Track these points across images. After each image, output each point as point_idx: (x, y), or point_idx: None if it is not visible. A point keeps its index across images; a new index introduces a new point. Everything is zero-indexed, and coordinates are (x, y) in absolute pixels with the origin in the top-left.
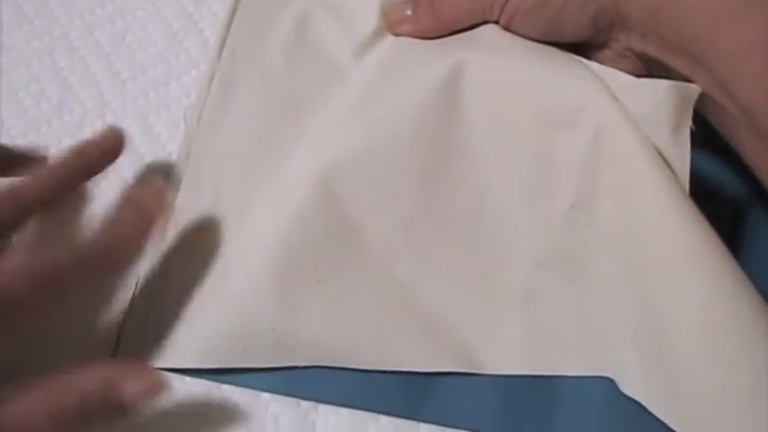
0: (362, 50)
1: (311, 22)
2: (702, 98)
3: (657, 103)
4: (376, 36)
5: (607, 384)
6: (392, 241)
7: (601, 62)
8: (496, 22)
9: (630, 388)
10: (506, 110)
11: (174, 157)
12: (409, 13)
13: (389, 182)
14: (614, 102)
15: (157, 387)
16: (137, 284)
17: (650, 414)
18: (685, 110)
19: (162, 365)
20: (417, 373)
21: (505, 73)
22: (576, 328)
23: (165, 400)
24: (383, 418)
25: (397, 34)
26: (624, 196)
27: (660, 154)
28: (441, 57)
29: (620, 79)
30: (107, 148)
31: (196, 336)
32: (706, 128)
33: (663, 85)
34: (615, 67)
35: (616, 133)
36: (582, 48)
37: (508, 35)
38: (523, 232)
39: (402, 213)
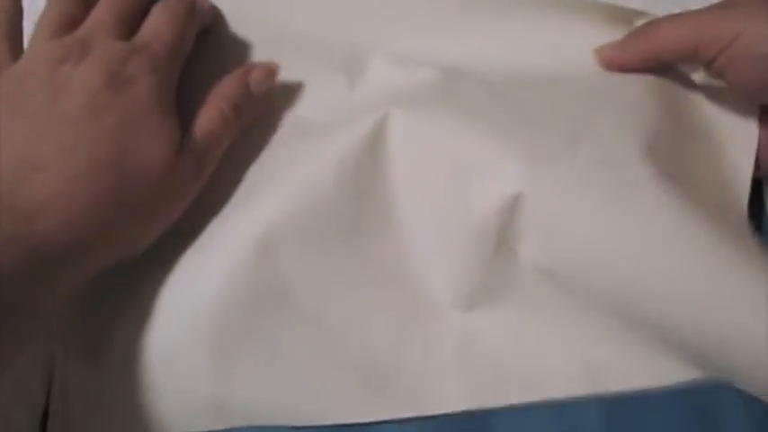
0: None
1: None
2: None
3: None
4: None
5: (544, 420)
6: (323, 294)
7: None
8: (708, 65)
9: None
10: (424, 160)
11: None
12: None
13: (317, 237)
14: (531, 155)
15: (274, 70)
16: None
17: None
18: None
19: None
20: (357, 426)
21: (425, 125)
22: (515, 357)
23: None
24: None
25: (610, 68)
26: (548, 233)
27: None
28: (365, 112)
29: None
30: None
31: (131, 402)
32: None
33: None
34: None
35: (532, 195)
36: None
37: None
38: (447, 280)
39: (331, 266)
